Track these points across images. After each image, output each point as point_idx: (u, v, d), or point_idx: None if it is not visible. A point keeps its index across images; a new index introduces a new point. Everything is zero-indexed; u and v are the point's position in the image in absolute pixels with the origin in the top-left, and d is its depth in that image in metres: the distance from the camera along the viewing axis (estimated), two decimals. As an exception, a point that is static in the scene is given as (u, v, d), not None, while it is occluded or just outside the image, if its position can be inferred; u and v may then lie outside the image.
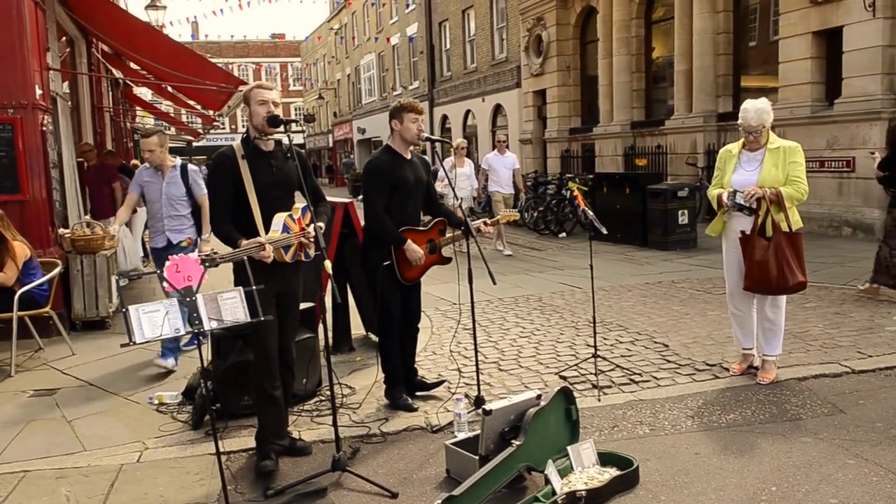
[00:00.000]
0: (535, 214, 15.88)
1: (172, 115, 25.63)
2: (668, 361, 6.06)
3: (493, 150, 14.09)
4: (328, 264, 3.98)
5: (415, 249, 5.03)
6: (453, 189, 6.47)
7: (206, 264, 3.60)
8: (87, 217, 10.01)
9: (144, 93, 23.62)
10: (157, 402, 5.58)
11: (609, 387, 5.50)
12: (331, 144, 53.96)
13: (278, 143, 4.40)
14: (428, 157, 6.18)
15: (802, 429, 4.60)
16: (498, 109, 27.45)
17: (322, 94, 52.68)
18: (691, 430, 4.69)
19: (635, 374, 5.76)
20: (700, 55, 16.38)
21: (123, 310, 3.36)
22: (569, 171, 20.75)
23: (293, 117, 4.59)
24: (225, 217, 4.21)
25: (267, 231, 4.18)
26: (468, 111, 30.10)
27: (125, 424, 5.23)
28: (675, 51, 17.32)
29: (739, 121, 5.39)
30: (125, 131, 20.17)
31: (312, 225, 4.26)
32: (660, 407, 5.08)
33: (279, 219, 4.19)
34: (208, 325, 3.44)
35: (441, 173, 12.22)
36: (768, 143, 5.36)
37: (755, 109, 5.31)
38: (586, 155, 21.23)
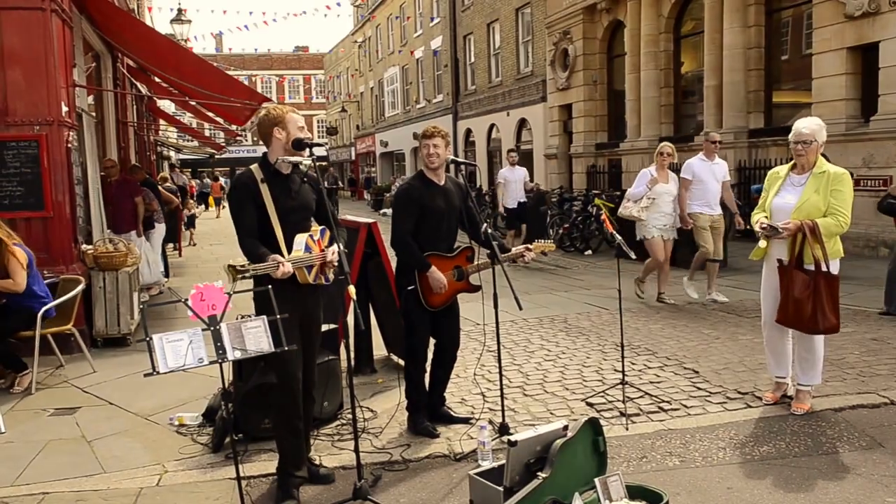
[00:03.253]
0: (561, 231, 15.74)
1: (195, 127, 25.80)
2: (699, 389, 5.91)
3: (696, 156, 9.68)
4: (352, 289, 3.91)
5: (438, 277, 4.94)
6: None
7: (245, 276, 3.59)
8: (109, 231, 10.03)
9: (167, 105, 23.79)
10: (177, 423, 5.53)
11: (637, 415, 5.37)
12: (353, 157, 54.16)
13: (295, 166, 4.34)
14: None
15: (839, 463, 4.44)
16: (523, 124, 27.36)
17: (345, 106, 52.92)
18: (723, 462, 4.54)
19: (664, 401, 5.61)
20: (730, 70, 16.22)
21: (148, 339, 3.31)
22: (595, 187, 20.61)
23: (317, 140, 4.55)
24: (250, 233, 4.16)
25: (289, 250, 4.13)
26: (492, 125, 30.05)
27: (145, 446, 5.18)
28: (704, 66, 17.18)
29: (791, 135, 5.27)
30: (148, 145, 20.29)
31: (333, 247, 4.20)
32: (690, 437, 4.94)
33: (301, 238, 4.16)
34: (232, 354, 3.38)
35: (637, 190, 9.35)
36: (815, 168, 5.19)
37: (810, 121, 5.22)
38: (613, 171, 21.07)
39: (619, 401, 5.57)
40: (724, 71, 16.42)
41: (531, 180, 16.53)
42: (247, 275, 3.63)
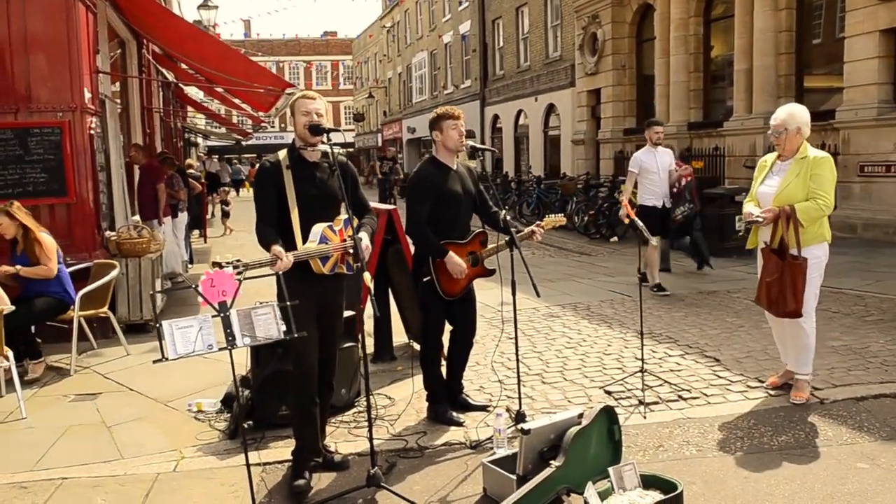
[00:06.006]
0: (586, 218, 15.62)
1: (223, 115, 25.93)
2: (719, 377, 5.84)
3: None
4: (367, 276, 3.88)
5: (456, 261, 4.88)
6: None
7: (235, 271, 3.57)
8: (136, 218, 10.08)
9: (196, 93, 23.89)
10: (195, 409, 5.56)
11: (656, 403, 5.32)
12: (380, 143, 54.18)
13: (325, 154, 4.31)
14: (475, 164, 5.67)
15: (859, 453, 4.36)
16: (551, 109, 27.17)
17: (372, 92, 52.87)
18: (740, 451, 4.48)
19: (684, 390, 5.56)
20: (761, 54, 15.93)
21: (157, 325, 3.32)
22: (622, 173, 20.37)
23: (335, 126, 4.45)
24: (267, 220, 4.15)
25: (304, 241, 4.10)
26: (520, 111, 29.87)
27: (163, 432, 5.22)
28: (734, 49, 16.89)
29: None
30: (175, 131, 20.36)
31: (350, 240, 4.16)
32: (708, 426, 4.88)
33: (317, 229, 4.13)
34: (242, 341, 3.38)
35: None
36: (798, 153, 5.14)
37: (784, 110, 5.19)
38: (640, 156, 20.85)
39: (638, 389, 5.51)
40: (754, 55, 16.12)
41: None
42: (237, 271, 3.59)
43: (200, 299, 3.45)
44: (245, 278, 3.60)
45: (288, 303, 3.61)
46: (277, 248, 3.89)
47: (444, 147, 5.03)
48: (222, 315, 3.40)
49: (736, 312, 8.00)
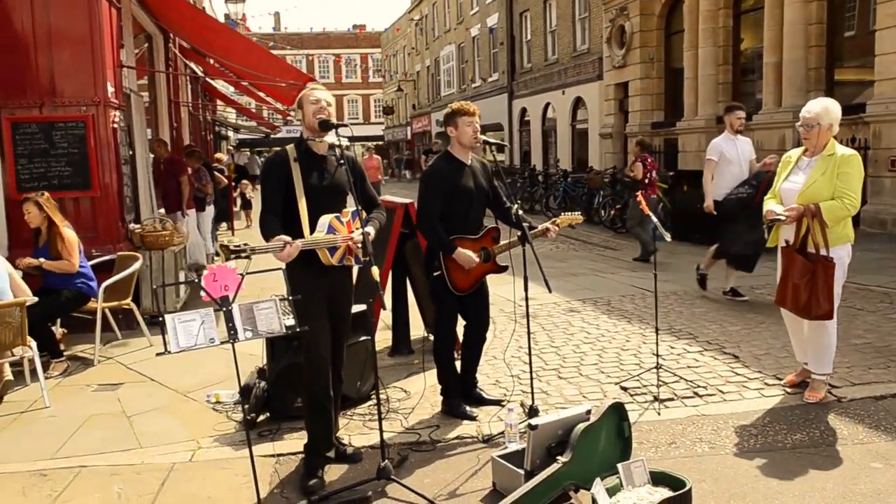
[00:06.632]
0: (612, 212, 15.53)
1: (253, 109, 26.07)
2: (737, 374, 5.80)
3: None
4: (375, 270, 3.89)
5: (466, 254, 4.88)
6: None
7: (240, 255, 3.61)
8: (162, 212, 10.20)
9: (224, 87, 24.08)
10: (213, 399, 5.63)
11: (671, 399, 5.29)
12: (409, 137, 54.21)
13: (332, 147, 4.33)
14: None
15: (874, 453, 4.31)
16: (578, 102, 27.03)
17: (401, 86, 52.92)
18: (753, 449, 4.45)
19: (700, 386, 5.52)
20: (791, 47, 15.72)
21: (161, 318, 3.37)
22: (649, 166, 20.26)
23: (344, 122, 4.41)
24: (272, 210, 4.17)
25: (312, 232, 4.13)
26: (548, 104, 29.73)
27: (181, 422, 5.29)
28: (764, 42, 16.67)
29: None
30: (205, 124, 20.50)
31: (359, 231, 4.18)
32: (723, 423, 4.85)
33: (325, 220, 4.15)
34: (243, 335, 3.42)
35: None
36: (825, 150, 5.05)
37: (818, 103, 5.09)
38: (669, 150, 20.68)
39: (653, 385, 5.49)
40: (784, 48, 15.91)
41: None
42: (242, 255, 3.63)
43: (203, 293, 3.49)
44: (254, 272, 3.64)
45: (290, 297, 3.65)
46: (281, 236, 3.92)
47: (458, 143, 5.04)
48: (224, 309, 3.43)
49: (758, 309, 7.92)
